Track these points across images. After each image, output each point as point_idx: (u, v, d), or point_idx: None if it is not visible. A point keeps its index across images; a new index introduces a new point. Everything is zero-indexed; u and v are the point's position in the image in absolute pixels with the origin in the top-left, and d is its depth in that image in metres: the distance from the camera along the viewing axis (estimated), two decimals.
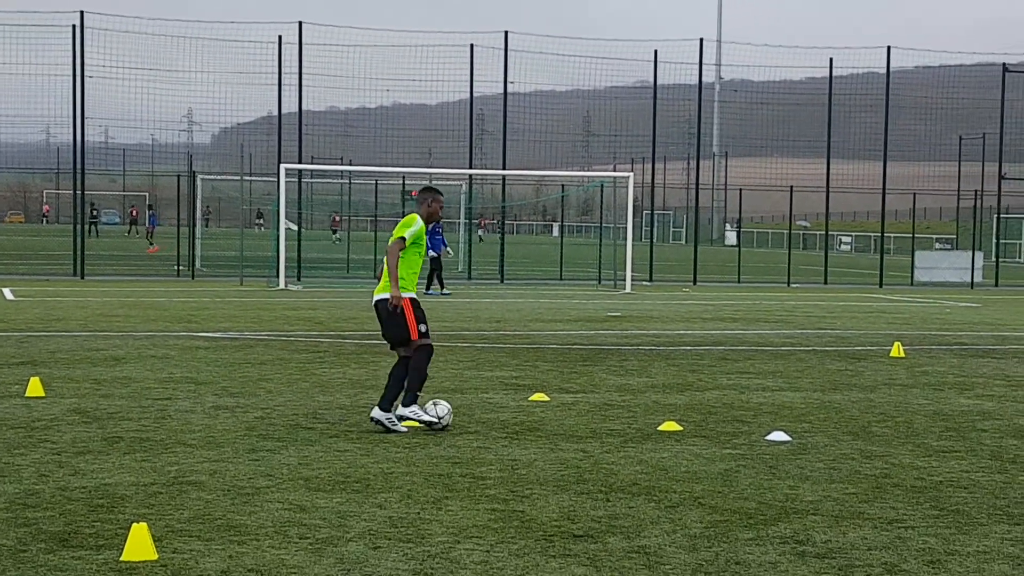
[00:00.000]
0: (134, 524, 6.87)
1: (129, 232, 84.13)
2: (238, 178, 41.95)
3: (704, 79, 43.52)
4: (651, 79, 42.10)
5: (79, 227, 38.12)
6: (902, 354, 18.18)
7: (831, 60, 42.97)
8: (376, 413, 10.92)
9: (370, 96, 51.69)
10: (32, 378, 13.10)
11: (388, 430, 10.83)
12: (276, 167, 36.77)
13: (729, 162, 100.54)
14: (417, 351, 11.02)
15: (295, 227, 39.54)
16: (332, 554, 6.95)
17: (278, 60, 38.88)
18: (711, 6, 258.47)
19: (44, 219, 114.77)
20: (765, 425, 11.62)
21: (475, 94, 41.60)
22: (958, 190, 61.34)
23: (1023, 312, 29.79)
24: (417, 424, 10.97)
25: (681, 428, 11.31)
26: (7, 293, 28.66)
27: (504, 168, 42.82)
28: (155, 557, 6.74)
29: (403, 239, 10.95)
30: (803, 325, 23.94)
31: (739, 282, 42.38)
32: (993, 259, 48.51)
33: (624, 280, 35.91)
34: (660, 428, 11.29)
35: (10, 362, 15.53)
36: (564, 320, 24.12)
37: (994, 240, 50.46)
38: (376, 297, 11.16)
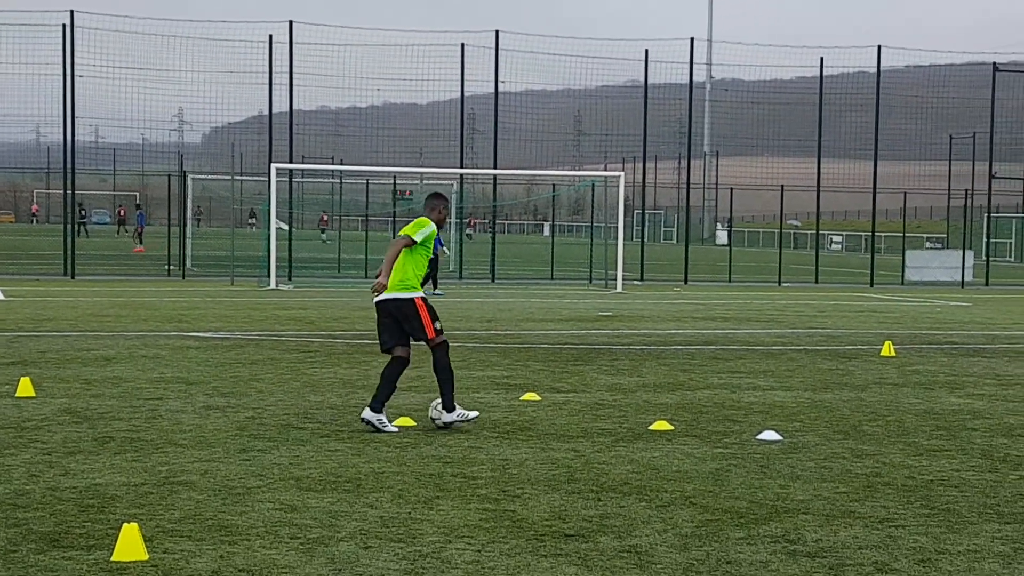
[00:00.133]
0: (125, 524, 6.86)
1: (119, 232, 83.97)
2: (229, 178, 41.91)
3: (695, 78, 43.63)
4: (642, 78, 42.14)
5: (69, 227, 38.05)
6: (893, 353, 18.21)
7: (822, 59, 43.06)
8: (367, 414, 10.90)
9: (361, 95, 51.62)
10: (22, 378, 13.06)
11: (378, 430, 10.82)
12: (267, 167, 36.75)
13: (720, 161, 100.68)
14: (436, 350, 11.05)
15: (285, 226, 39.47)
16: (323, 554, 6.94)
17: (269, 59, 38.85)
18: (702, 5, 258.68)
19: (34, 219, 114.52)
20: (756, 424, 11.63)
21: (466, 93, 41.65)
22: (948, 189, 61.54)
23: (1013, 311, 29.85)
24: (458, 421, 11.03)
25: (672, 427, 11.32)
26: None
27: (495, 167, 42.83)
28: (146, 557, 6.73)
29: (413, 239, 10.93)
30: (794, 324, 23.97)
31: (730, 281, 42.42)
32: (983, 258, 48.57)
33: (615, 279, 35.94)
34: (651, 427, 11.30)
35: (0, 362, 15.49)
36: (555, 320, 24.12)
37: (984, 239, 50.48)
38: (383, 296, 11.03)
